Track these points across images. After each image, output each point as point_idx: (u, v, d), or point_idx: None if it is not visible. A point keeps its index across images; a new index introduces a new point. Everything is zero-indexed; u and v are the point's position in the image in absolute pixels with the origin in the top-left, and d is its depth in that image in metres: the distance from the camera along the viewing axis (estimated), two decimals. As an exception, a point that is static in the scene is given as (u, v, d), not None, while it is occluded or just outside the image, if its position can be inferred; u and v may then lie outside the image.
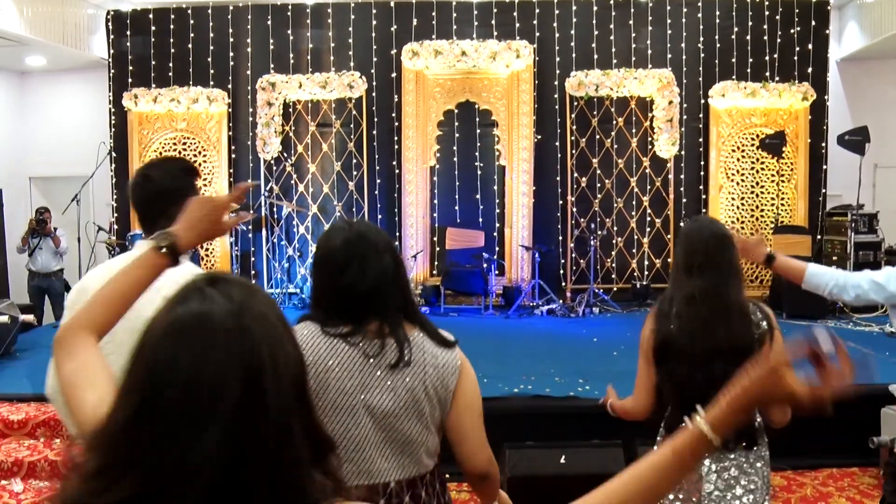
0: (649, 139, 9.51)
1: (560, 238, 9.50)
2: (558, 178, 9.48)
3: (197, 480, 0.86)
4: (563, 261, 9.51)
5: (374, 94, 9.54)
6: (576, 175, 9.50)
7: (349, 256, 1.84)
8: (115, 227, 9.51)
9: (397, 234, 9.39)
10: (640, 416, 2.61)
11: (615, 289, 9.44)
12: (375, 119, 9.55)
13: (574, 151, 9.48)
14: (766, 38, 9.48)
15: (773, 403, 1.69)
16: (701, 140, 9.51)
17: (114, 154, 9.63)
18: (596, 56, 9.49)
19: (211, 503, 0.87)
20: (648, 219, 9.55)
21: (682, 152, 9.50)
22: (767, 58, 9.48)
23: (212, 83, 9.63)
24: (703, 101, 9.52)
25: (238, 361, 0.89)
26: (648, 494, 1.21)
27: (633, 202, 9.54)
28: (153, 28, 9.64)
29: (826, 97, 9.56)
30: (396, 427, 1.84)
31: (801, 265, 2.77)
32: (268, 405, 0.90)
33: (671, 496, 2.50)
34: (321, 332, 1.86)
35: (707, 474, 2.45)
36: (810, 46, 9.50)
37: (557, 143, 9.46)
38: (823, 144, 9.51)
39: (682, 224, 8.90)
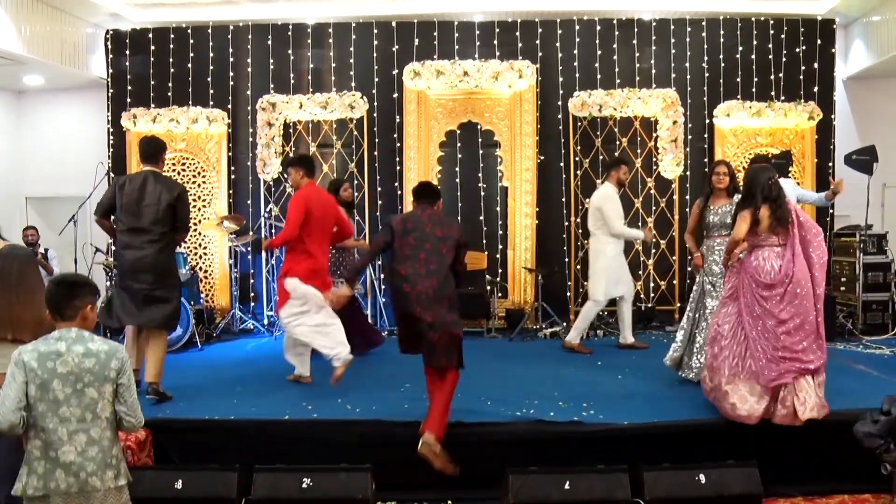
0: (653, 159, 9.40)
1: (564, 260, 9.35)
2: (562, 199, 9.35)
3: None
4: (567, 283, 9.35)
5: (375, 115, 9.45)
6: (579, 196, 9.37)
7: None
8: (113, 248, 9.35)
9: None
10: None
11: (620, 311, 9.26)
12: (377, 140, 9.45)
13: (578, 172, 9.36)
14: (771, 57, 9.41)
15: None
16: (706, 160, 9.38)
17: (112, 174, 9.51)
18: (599, 76, 9.41)
19: None
20: (653, 240, 9.39)
21: (687, 173, 9.39)
22: (773, 77, 9.40)
23: (211, 103, 9.55)
24: (707, 121, 9.43)
25: None
26: None
27: (638, 223, 9.39)
28: (152, 47, 9.59)
29: (833, 116, 9.47)
30: None
31: None
32: None
33: None
34: None
35: None
36: (816, 65, 9.42)
37: (561, 164, 9.35)
38: (830, 164, 9.40)
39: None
